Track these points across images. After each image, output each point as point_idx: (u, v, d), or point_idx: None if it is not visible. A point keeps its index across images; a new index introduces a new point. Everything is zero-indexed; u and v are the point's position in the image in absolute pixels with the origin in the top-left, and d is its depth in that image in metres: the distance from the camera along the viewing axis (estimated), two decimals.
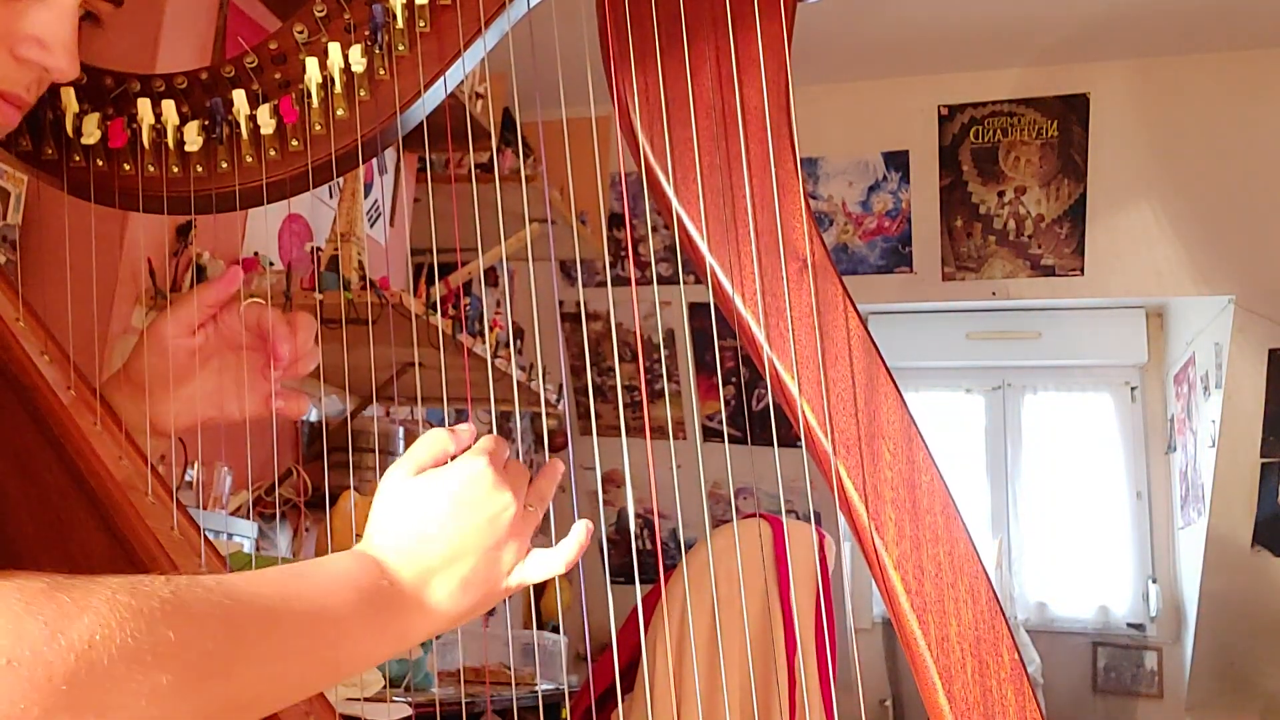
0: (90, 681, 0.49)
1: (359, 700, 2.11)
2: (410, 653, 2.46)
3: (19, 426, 0.80)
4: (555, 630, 3.80)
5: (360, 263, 2.65)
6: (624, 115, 0.85)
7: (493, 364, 2.78)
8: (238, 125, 0.84)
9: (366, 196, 3.07)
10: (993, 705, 0.79)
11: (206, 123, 0.84)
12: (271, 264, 2.70)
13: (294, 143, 0.85)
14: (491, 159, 3.37)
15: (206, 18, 2.60)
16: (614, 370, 4.40)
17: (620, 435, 1.02)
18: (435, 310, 2.54)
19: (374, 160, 3.11)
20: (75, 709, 0.49)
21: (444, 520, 0.71)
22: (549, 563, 0.74)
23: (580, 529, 0.75)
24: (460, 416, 3.73)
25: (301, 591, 0.64)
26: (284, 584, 0.63)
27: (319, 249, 2.72)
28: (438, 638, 2.66)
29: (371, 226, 3.13)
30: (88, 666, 0.49)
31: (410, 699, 2.28)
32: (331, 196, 2.86)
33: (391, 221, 3.32)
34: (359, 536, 0.72)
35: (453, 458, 0.74)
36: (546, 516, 0.76)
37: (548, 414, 3.62)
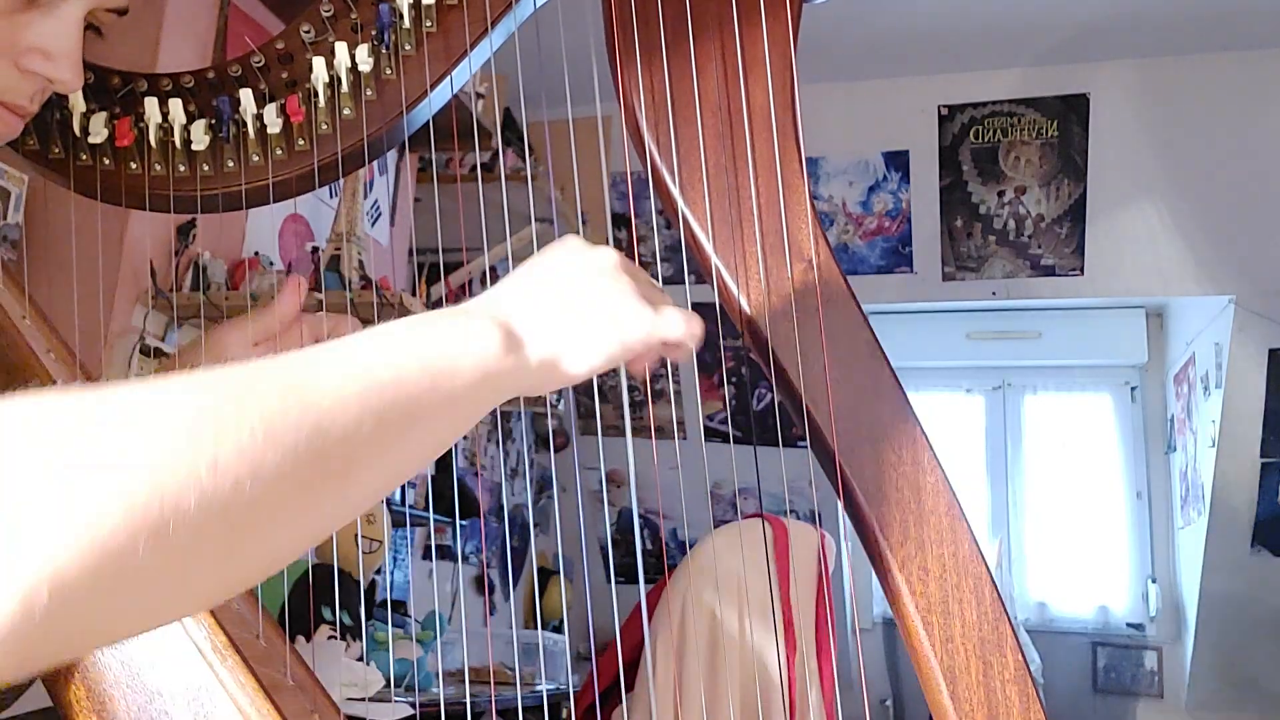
0: (120, 468, 0.43)
1: (361, 700, 2.11)
2: (410, 652, 2.46)
3: None
4: (557, 630, 3.80)
5: (361, 262, 2.65)
6: (630, 114, 0.85)
7: None
8: (244, 124, 0.84)
9: (367, 196, 3.07)
10: (997, 706, 0.79)
11: (213, 122, 0.84)
12: (272, 264, 2.70)
13: (300, 142, 0.85)
14: (493, 158, 3.37)
15: (207, 18, 2.60)
16: (616, 370, 4.39)
17: (622, 435, 1.02)
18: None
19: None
20: (124, 501, 0.43)
21: (554, 262, 0.66)
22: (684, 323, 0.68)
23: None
24: None
25: (365, 336, 0.56)
26: (342, 340, 0.56)
27: (320, 249, 2.72)
28: (440, 634, 2.66)
29: (373, 226, 3.13)
30: (116, 455, 0.43)
31: (412, 699, 2.28)
32: (332, 196, 2.86)
33: (393, 221, 3.32)
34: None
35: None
36: (549, 516, 0.75)
37: (549, 414, 3.62)
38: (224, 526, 0.45)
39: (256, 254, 2.65)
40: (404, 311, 2.43)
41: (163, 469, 0.44)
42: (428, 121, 0.90)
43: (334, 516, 0.52)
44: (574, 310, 0.64)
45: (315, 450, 0.49)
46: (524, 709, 2.69)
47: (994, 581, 0.82)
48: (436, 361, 0.56)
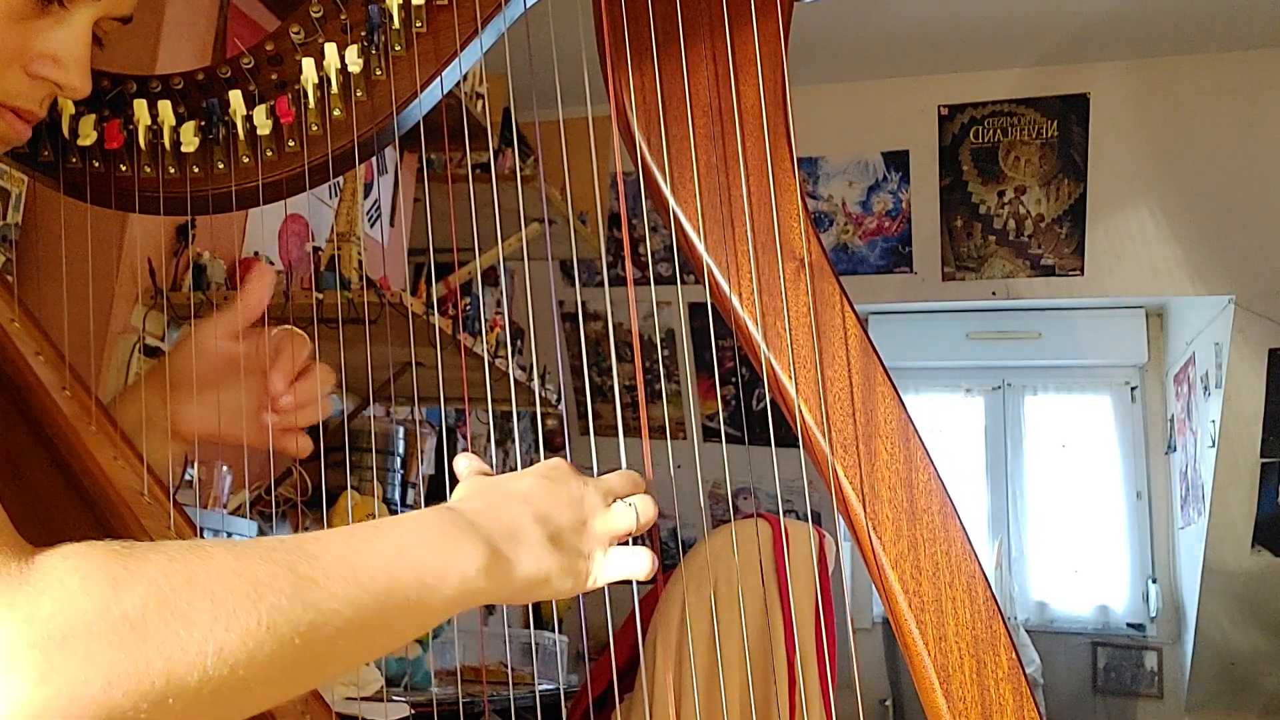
0: (147, 645, 0.52)
1: (357, 700, 2.11)
2: (408, 651, 2.46)
3: (12, 428, 0.79)
4: (554, 630, 3.80)
5: (360, 262, 2.65)
6: (621, 115, 0.85)
7: (492, 364, 2.77)
8: (234, 126, 0.84)
9: (366, 196, 3.07)
10: (990, 704, 0.79)
11: (203, 124, 0.84)
12: (271, 264, 2.70)
13: (291, 143, 0.85)
14: (490, 159, 3.37)
15: (206, 19, 2.60)
16: (613, 370, 4.40)
17: (619, 435, 1.02)
18: (434, 310, 2.54)
19: (374, 160, 3.11)
20: (140, 674, 0.51)
21: (528, 489, 0.72)
22: (632, 561, 0.73)
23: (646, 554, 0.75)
24: (460, 416, 3.73)
25: (374, 538, 0.63)
26: (354, 533, 0.63)
27: (319, 249, 2.72)
28: (435, 635, 2.66)
29: (371, 226, 3.13)
30: (141, 633, 0.52)
31: (408, 698, 2.28)
32: (331, 196, 2.86)
33: (391, 221, 3.32)
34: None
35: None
36: None
37: (546, 414, 3.63)
38: (213, 699, 0.54)
39: (256, 254, 2.65)
40: (403, 311, 2.43)
41: (178, 649, 0.52)
42: (428, 122, 0.90)
43: (305, 687, 0.63)
44: (547, 548, 0.71)
45: (305, 642, 0.57)
46: (521, 709, 2.69)
47: (987, 580, 0.82)
48: (427, 578, 0.64)
